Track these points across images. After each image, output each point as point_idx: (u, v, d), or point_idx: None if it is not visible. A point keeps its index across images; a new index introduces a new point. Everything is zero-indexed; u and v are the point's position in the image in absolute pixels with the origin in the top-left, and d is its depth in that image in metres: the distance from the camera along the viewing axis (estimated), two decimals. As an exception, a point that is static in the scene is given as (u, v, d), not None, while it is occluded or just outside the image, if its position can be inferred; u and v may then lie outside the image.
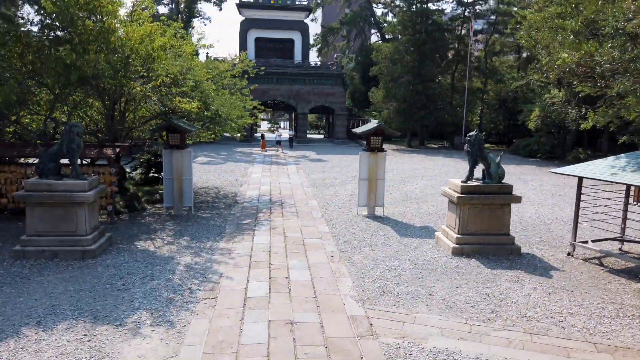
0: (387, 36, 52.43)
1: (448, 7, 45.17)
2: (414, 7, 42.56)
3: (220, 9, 52.70)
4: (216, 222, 13.27)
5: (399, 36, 43.71)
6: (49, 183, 9.68)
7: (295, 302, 7.80)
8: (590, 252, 10.81)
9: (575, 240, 10.77)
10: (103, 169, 12.72)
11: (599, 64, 8.35)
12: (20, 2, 13.93)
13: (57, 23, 11.94)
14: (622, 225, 11.26)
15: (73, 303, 7.58)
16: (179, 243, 11.14)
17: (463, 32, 43.95)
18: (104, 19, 12.23)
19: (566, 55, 8.71)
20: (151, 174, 18.10)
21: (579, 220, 10.95)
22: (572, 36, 9.16)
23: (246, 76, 21.46)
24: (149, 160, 18.11)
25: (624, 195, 11.17)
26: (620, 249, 11.23)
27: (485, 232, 10.67)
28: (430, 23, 42.27)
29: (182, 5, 48.87)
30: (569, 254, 10.83)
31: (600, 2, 8.43)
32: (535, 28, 10.82)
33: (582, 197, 10.83)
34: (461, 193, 10.58)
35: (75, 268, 9.14)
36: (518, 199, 10.74)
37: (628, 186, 10.67)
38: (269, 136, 45.56)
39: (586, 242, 10.88)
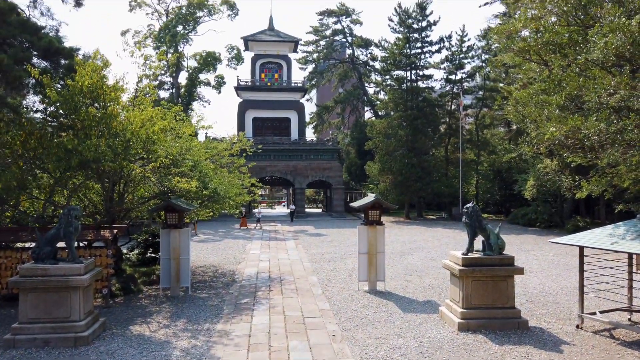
0: (380, 112, 54.35)
1: (437, 85, 47.14)
2: (405, 85, 44.48)
3: (220, 92, 54.97)
4: (214, 303, 12.94)
5: (392, 112, 45.27)
6: (44, 268, 9.54)
7: (297, 388, 7.42)
8: (599, 323, 10.50)
9: (582, 312, 10.49)
10: (100, 251, 12.59)
11: (587, 137, 8.62)
12: (25, 92, 14.51)
13: (61, 111, 12.39)
14: (629, 295, 11.03)
15: (63, 396, 7.20)
16: (176, 326, 10.79)
17: (453, 107, 45.58)
18: (107, 106, 12.70)
19: (554, 129, 9.01)
20: (148, 254, 17.90)
21: (585, 290, 10.73)
22: (557, 110, 9.52)
23: (244, 154, 21.94)
24: (146, 240, 18.00)
25: (627, 264, 11.04)
26: (629, 319, 10.92)
27: (490, 305, 10.41)
28: (421, 100, 43.97)
29: (183, 90, 50.98)
30: (577, 326, 10.51)
31: (582, 79, 8.85)
32: (522, 103, 11.27)
33: (585, 267, 10.70)
34: (462, 265, 10.46)
35: (67, 357, 8.77)
36: (521, 271, 10.60)
37: (630, 255, 10.58)
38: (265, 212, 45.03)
39: (594, 313, 10.59)
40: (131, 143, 12.77)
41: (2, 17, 12.48)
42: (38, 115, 14.34)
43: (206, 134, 41.69)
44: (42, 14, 16.42)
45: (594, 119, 8.55)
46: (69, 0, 16.06)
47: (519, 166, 38.50)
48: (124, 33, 50.10)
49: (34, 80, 13.16)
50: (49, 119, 12.93)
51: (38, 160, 12.57)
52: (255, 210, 39.96)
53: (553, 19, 12.44)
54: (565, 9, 11.59)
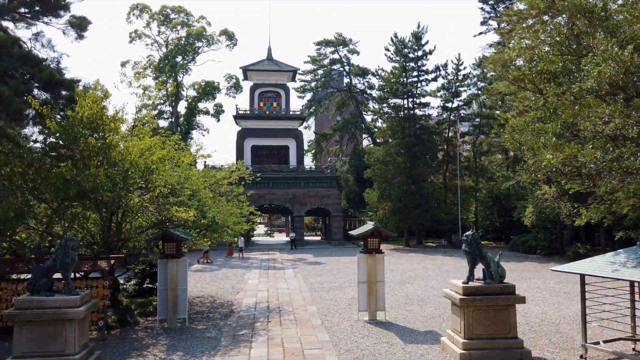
0: (377, 140, 54.66)
1: (434, 112, 47.59)
2: (402, 113, 44.90)
3: (218, 120, 55.47)
4: (211, 334, 12.72)
5: (389, 139, 45.57)
6: (40, 300, 9.40)
7: None
8: (603, 353, 10.32)
9: (586, 342, 10.32)
10: (96, 282, 12.45)
11: (584, 165, 8.67)
12: (25, 123, 14.60)
13: (61, 141, 12.45)
14: (632, 324, 10.87)
15: None
16: (172, 359, 10.58)
17: (450, 134, 45.92)
18: (106, 136, 12.78)
19: (550, 156, 9.06)
20: (145, 285, 17.70)
21: (587, 319, 10.58)
22: (554, 138, 9.60)
23: (243, 183, 21.96)
24: (143, 270, 17.82)
25: (629, 292, 10.92)
26: (634, 349, 10.73)
27: (492, 335, 10.24)
28: (419, 127, 44.34)
29: (182, 119, 51.39)
30: (581, 356, 10.31)
31: (577, 107, 8.96)
32: (518, 131, 11.36)
33: (587, 295, 10.58)
34: (463, 295, 10.33)
35: (60, 392, 8.55)
36: (522, 299, 10.48)
37: (632, 282, 10.48)
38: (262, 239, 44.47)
39: (598, 343, 10.42)
40: (130, 173, 12.80)
41: (4, 50, 12.68)
42: (37, 145, 14.42)
43: (205, 162, 41.85)
44: (43, 45, 16.64)
45: (590, 147, 8.61)
46: (70, 33, 16.34)
47: (517, 193, 38.51)
48: (123, 64, 50.83)
49: (34, 112, 13.27)
50: (48, 149, 12.97)
51: (36, 191, 12.56)
52: (239, 240, 37.85)
53: (547, 48, 12.66)
54: (558, 39, 11.82)
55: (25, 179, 12.24)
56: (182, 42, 51.28)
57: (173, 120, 50.70)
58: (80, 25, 15.63)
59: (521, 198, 36.50)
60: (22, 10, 16.09)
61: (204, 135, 59.06)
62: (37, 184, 12.24)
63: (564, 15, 13.24)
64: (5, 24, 15.83)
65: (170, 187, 13.94)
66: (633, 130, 7.97)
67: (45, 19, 16.23)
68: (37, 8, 15.88)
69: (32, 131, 15.46)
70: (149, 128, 15.46)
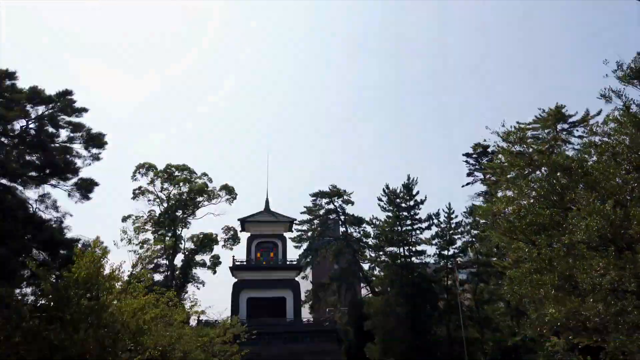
0: (376, 289, 53.59)
1: (431, 260, 47.48)
2: (398, 261, 44.81)
3: (215, 272, 54.77)
4: None
5: (388, 288, 44.69)
6: None
7: None
8: None
9: None
10: None
11: (588, 319, 8.45)
12: (19, 283, 14.43)
13: (52, 302, 12.18)
14: None
15: None
16: None
17: (449, 282, 45.23)
18: (100, 296, 12.54)
19: (553, 310, 8.88)
20: None
21: None
22: (553, 290, 9.50)
23: (237, 341, 20.98)
24: None
25: None
26: None
27: None
28: (416, 275, 43.85)
29: (178, 272, 50.90)
30: None
31: (571, 260, 9.04)
32: (517, 282, 11.28)
33: None
34: None
35: None
36: None
37: None
38: None
39: None
40: (120, 335, 12.27)
41: (10, 213, 13.11)
42: (29, 304, 14.01)
43: (199, 317, 40.28)
44: (47, 207, 17.20)
45: (591, 300, 8.49)
46: (75, 194, 17.06)
47: (526, 345, 36.51)
48: (124, 219, 51.87)
49: (29, 272, 13.19)
50: (39, 311, 12.61)
51: (18, 355, 11.87)
52: None
53: (532, 200, 13.22)
54: (542, 192, 12.42)
55: (10, 344, 11.66)
56: (184, 197, 53.18)
57: (169, 273, 50.16)
58: (86, 188, 16.41)
59: (531, 350, 34.51)
60: (33, 173, 17.04)
61: (199, 289, 57.16)
62: (20, 349, 11.63)
63: (544, 169, 14.11)
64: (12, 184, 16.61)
65: (160, 349, 13.27)
66: (631, 284, 7.96)
67: (53, 182, 17.10)
68: (47, 172, 16.85)
69: (24, 292, 15.21)
70: (144, 285, 15.26)
